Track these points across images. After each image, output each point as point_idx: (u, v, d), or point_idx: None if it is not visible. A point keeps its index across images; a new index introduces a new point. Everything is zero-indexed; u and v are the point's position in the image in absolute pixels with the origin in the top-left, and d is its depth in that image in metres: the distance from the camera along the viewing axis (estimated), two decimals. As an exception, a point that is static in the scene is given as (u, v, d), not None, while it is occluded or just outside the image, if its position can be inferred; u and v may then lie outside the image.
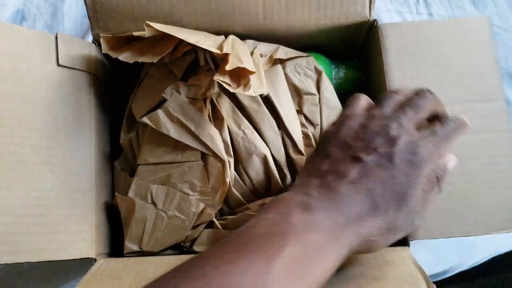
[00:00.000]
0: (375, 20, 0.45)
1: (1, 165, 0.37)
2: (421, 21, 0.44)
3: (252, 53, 0.44)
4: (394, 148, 0.32)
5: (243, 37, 0.46)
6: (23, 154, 0.39)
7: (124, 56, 0.41)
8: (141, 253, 0.43)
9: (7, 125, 0.38)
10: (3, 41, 0.39)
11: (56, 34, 0.43)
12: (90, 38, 0.48)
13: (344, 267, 0.38)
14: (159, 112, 0.42)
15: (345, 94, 0.51)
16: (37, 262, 0.38)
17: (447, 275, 0.59)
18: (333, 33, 0.47)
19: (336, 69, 0.49)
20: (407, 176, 0.32)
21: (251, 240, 0.29)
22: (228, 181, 0.42)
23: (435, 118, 0.35)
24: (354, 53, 0.52)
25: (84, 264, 0.41)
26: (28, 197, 0.38)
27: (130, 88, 0.48)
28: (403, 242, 0.42)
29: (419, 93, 0.35)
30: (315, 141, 0.44)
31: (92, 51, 0.46)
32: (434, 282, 0.56)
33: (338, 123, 0.36)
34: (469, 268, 0.58)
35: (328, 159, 0.34)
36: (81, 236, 0.41)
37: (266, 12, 0.44)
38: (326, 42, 0.49)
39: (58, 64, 0.43)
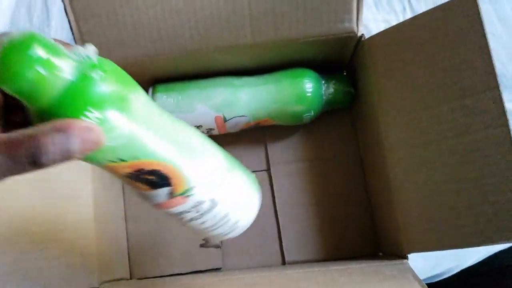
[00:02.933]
0: (362, 35, 0.45)
1: (1, 204, 0.37)
2: (404, 22, 0.42)
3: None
4: None
5: (232, 55, 0.46)
6: (20, 190, 0.39)
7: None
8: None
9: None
10: None
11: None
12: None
13: (345, 284, 0.39)
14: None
15: (336, 110, 0.52)
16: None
17: (445, 276, 0.60)
18: (321, 49, 0.47)
19: (326, 84, 0.49)
20: None
21: None
22: None
23: None
24: (342, 67, 0.53)
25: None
26: (31, 233, 0.39)
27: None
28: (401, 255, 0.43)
29: None
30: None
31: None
32: (432, 285, 0.58)
33: None
34: (466, 268, 0.59)
35: None
36: (84, 267, 0.42)
37: (254, 32, 0.44)
38: (314, 57, 0.49)
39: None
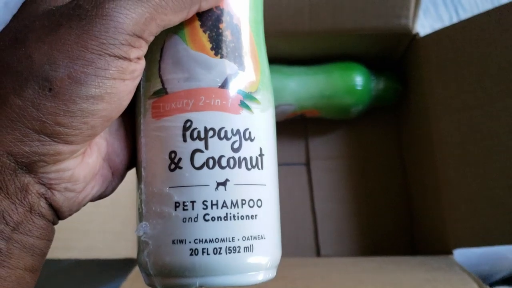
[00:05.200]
0: (417, 33, 0.46)
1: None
2: (459, 22, 0.43)
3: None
4: None
5: (286, 42, 0.47)
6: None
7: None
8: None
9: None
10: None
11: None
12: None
13: (393, 271, 0.38)
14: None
15: (379, 107, 0.52)
16: (85, 259, 0.38)
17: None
18: (374, 43, 0.48)
19: (375, 80, 0.49)
20: None
21: None
22: None
23: None
24: (392, 64, 0.53)
25: (120, 267, 0.41)
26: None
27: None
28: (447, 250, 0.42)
29: None
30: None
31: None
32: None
33: None
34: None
35: None
36: (125, 237, 0.41)
37: (312, 18, 0.45)
38: (366, 52, 0.50)
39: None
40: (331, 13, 0.45)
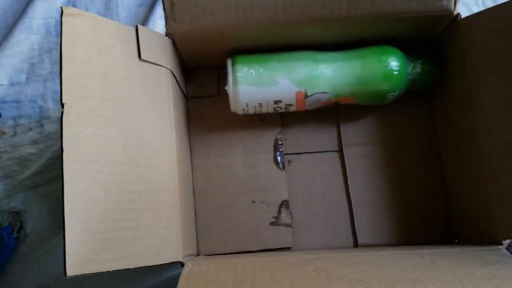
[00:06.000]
0: (458, 13, 0.44)
1: (95, 167, 0.35)
2: (506, 2, 0.41)
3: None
4: None
5: (322, 29, 0.45)
6: (113, 154, 0.37)
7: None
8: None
9: (99, 124, 0.36)
10: (90, 34, 0.37)
11: (136, 27, 0.41)
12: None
13: (447, 266, 0.37)
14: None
15: (414, 91, 0.51)
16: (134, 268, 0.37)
17: None
18: (413, 26, 0.46)
19: (412, 64, 0.48)
20: None
21: None
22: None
23: None
24: (428, 46, 0.51)
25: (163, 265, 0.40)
26: (122, 201, 0.37)
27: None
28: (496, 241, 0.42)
29: None
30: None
31: (167, 45, 0.45)
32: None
33: None
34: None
35: None
36: (169, 240, 0.40)
37: (350, 4, 0.43)
38: (404, 34, 0.48)
39: (140, 59, 0.41)
40: (370, 2, 0.43)
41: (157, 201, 0.40)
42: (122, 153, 0.38)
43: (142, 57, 0.41)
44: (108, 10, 0.55)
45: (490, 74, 0.42)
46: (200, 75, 0.54)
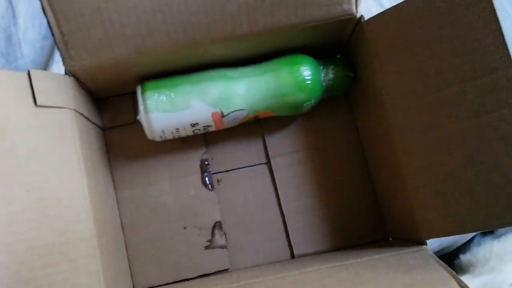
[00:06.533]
0: (361, 16, 0.44)
1: (-3, 230, 0.34)
2: (407, 1, 0.40)
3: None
4: None
5: (227, 46, 0.44)
6: (16, 212, 0.35)
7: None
8: None
9: (-5, 184, 0.34)
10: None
11: (28, 71, 0.39)
12: (55, 63, 0.44)
13: (370, 277, 0.38)
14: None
15: (331, 97, 0.50)
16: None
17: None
18: (319, 33, 0.45)
19: (324, 70, 0.47)
20: None
21: None
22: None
23: None
24: (339, 50, 0.51)
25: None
26: (31, 258, 0.35)
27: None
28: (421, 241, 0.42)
29: None
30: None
31: (68, 84, 0.43)
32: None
33: None
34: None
35: None
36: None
37: (250, 20, 0.42)
38: (312, 43, 0.47)
39: (37, 105, 0.39)
40: (269, 11, 0.42)
41: (74, 251, 0.38)
42: (27, 209, 0.36)
43: (39, 103, 0.39)
44: (10, 48, 0.52)
45: (397, 75, 0.42)
46: (115, 103, 0.52)
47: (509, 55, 0.36)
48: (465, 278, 0.52)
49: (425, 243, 0.42)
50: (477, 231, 0.39)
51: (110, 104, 0.52)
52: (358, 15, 0.43)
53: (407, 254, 0.41)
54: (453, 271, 0.36)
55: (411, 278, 0.37)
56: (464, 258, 0.60)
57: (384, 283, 0.36)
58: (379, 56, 0.43)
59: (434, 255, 0.39)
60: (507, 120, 0.36)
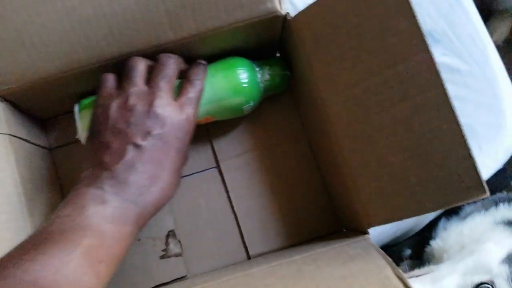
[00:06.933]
0: (286, 13, 0.44)
1: None
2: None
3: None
4: (165, 128, 0.39)
5: (153, 55, 0.44)
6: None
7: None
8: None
9: None
10: None
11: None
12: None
13: (310, 271, 0.38)
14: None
15: (275, 96, 0.50)
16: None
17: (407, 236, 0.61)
18: (249, 34, 0.45)
19: (260, 71, 0.47)
20: (177, 151, 0.40)
21: (50, 237, 0.32)
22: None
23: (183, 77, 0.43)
24: (274, 50, 0.51)
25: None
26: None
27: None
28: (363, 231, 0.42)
29: (162, 62, 0.41)
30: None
31: (1, 109, 0.43)
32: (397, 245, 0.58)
33: (101, 106, 0.40)
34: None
35: (108, 150, 0.38)
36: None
37: (174, 27, 0.42)
38: (244, 44, 0.47)
39: (-36, 134, 0.39)
40: (191, 16, 0.42)
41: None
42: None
43: (-34, 131, 0.39)
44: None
45: (325, 69, 0.42)
46: (60, 122, 0.52)
47: (423, 40, 0.36)
48: (446, 266, 0.52)
49: (367, 232, 0.42)
50: (415, 216, 0.38)
51: (55, 123, 0.52)
52: (283, 13, 0.43)
53: (349, 245, 0.41)
54: (389, 258, 0.36)
55: (349, 269, 0.37)
56: (435, 244, 0.60)
57: (322, 277, 0.36)
58: (307, 52, 0.43)
59: (375, 244, 0.40)
60: (428, 105, 0.36)
